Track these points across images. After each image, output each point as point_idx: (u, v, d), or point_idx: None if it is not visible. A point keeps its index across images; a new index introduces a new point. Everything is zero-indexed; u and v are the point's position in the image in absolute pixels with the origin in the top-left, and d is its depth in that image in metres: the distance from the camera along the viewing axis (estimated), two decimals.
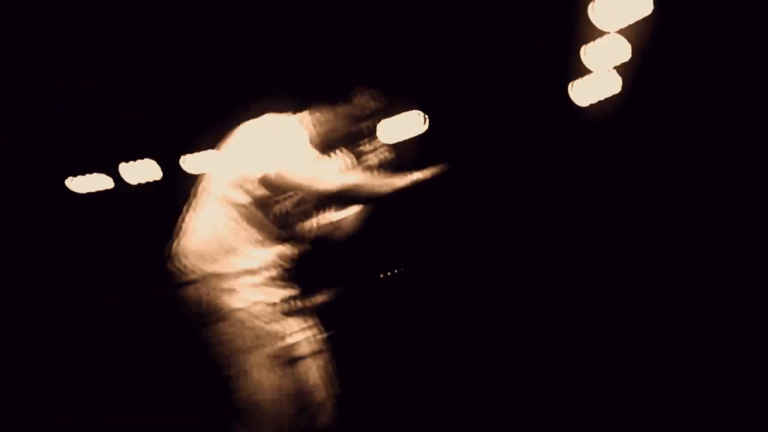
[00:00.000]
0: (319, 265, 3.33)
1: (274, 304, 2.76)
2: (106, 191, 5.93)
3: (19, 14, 4.63)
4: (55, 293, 5.60)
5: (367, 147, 2.84)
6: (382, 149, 2.84)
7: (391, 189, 2.67)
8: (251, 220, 2.71)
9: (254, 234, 2.72)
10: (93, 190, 5.98)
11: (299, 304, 2.86)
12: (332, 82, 2.84)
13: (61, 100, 5.17)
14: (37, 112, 5.28)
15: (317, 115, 2.82)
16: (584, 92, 4.86)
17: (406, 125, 5.37)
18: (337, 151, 2.91)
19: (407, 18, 4.78)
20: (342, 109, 2.80)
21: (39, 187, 5.71)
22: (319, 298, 3.97)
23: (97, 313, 5.65)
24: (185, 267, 2.71)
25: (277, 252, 2.76)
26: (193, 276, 2.69)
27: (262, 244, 2.72)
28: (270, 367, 2.69)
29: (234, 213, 2.71)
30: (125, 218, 5.89)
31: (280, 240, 2.76)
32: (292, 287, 2.84)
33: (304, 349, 2.80)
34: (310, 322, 2.85)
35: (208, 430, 2.69)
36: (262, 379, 2.65)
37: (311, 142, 2.81)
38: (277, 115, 2.79)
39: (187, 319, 2.69)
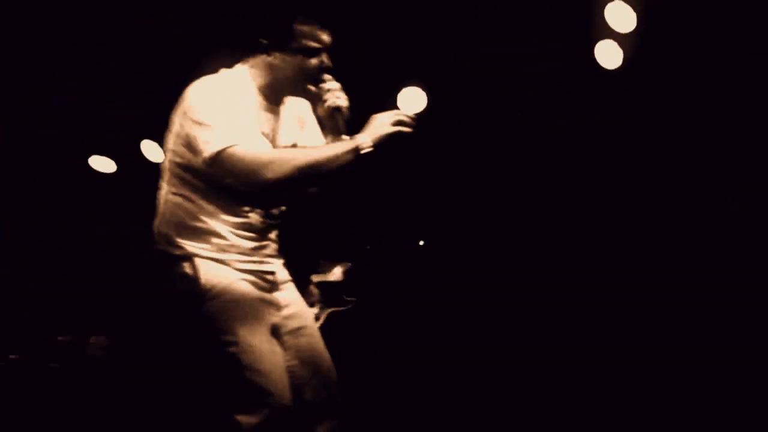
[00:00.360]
0: (302, 234, 3.22)
1: (267, 273, 2.64)
2: (103, 189, 5.92)
3: (19, 14, 4.63)
4: (55, 293, 5.60)
5: (323, 89, 2.59)
6: (338, 90, 2.59)
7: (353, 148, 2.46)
8: (220, 193, 2.54)
9: (231, 206, 2.55)
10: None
11: (293, 274, 2.76)
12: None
13: (61, 100, 5.16)
14: (37, 112, 5.28)
15: (258, 62, 2.61)
16: (610, 54, 4.66)
17: (407, 101, 5.26)
18: (290, 98, 2.70)
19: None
20: (284, 52, 2.57)
21: (39, 186, 5.70)
22: (314, 269, 3.86)
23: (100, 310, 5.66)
24: (166, 246, 2.58)
25: (257, 222, 2.61)
26: (175, 254, 2.56)
27: (240, 215, 2.57)
28: (271, 339, 2.55)
29: (203, 187, 2.55)
30: (124, 215, 5.89)
31: (259, 210, 2.60)
32: (280, 258, 2.73)
33: (305, 319, 2.69)
34: (307, 293, 2.78)
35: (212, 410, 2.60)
36: (263, 351, 2.51)
37: (260, 95, 2.61)
38: (212, 75, 2.59)
39: (179, 299, 2.56)
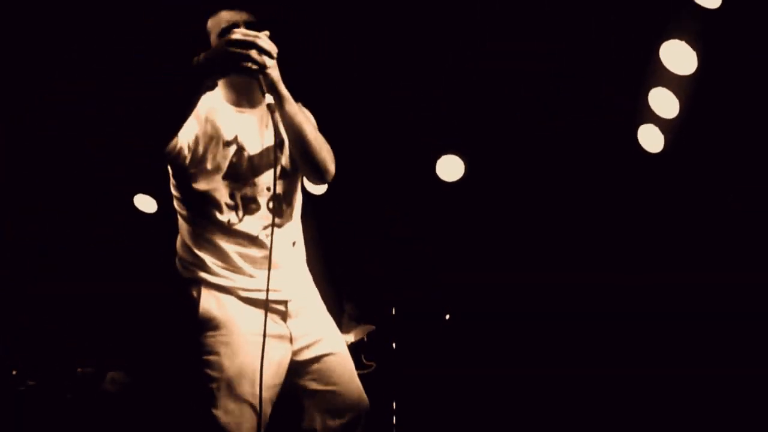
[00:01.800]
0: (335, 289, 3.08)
1: (277, 303, 2.57)
2: (101, 191, 5.92)
3: (19, 14, 4.63)
4: (55, 293, 5.60)
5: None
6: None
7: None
8: (204, 206, 2.54)
9: (217, 218, 2.53)
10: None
11: (299, 301, 2.66)
12: None
13: (61, 100, 5.16)
14: (38, 112, 5.27)
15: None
16: (653, 138, 4.70)
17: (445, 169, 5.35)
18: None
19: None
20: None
21: (39, 187, 5.70)
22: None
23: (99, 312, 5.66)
24: (180, 268, 2.59)
25: (252, 229, 2.56)
26: (185, 277, 2.56)
27: (230, 226, 2.54)
28: (255, 380, 2.46)
29: (189, 201, 2.58)
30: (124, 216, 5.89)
31: (250, 218, 2.57)
32: (299, 272, 2.67)
33: (327, 347, 2.61)
34: (312, 321, 2.67)
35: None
36: (242, 393, 2.47)
37: (227, 102, 2.58)
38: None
39: (182, 325, 2.56)
